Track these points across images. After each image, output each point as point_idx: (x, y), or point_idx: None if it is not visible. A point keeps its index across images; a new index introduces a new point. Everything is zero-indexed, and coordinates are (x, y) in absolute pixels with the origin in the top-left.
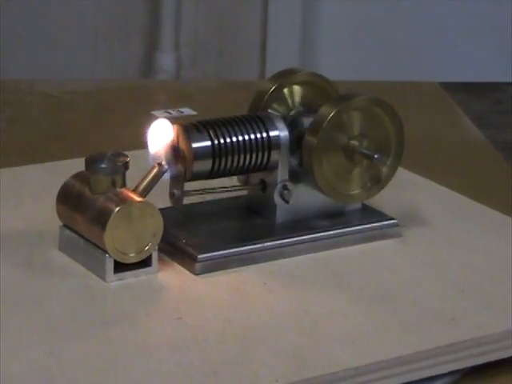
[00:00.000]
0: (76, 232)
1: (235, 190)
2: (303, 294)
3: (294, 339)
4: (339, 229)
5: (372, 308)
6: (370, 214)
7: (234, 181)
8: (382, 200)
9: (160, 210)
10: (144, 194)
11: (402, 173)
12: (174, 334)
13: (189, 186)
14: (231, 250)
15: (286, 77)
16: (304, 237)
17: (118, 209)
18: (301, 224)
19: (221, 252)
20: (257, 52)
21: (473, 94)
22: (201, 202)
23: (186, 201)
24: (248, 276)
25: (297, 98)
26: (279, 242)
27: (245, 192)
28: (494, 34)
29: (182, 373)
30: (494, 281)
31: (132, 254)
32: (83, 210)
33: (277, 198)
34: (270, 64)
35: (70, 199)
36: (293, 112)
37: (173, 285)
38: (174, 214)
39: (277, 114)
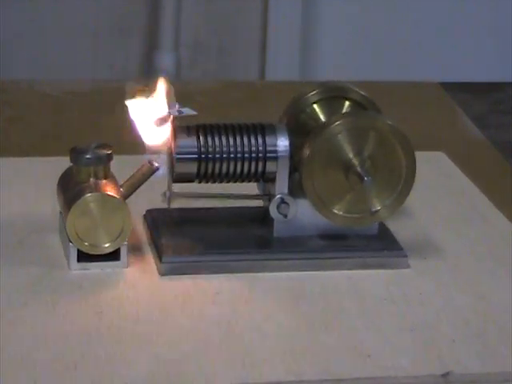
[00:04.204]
0: (62, 217)
1: (222, 198)
2: (245, 310)
3: (187, 351)
4: (332, 251)
5: (302, 333)
6: (381, 241)
7: (253, 188)
8: (423, 227)
9: (166, 209)
10: (130, 189)
11: (482, 204)
12: (78, 325)
13: (192, 187)
14: (201, 257)
15: (336, 86)
16: (290, 254)
17: (85, 196)
18: (296, 241)
19: (189, 257)
20: (257, 52)
21: (473, 94)
22: (213, 208)
23: (197, 204)
24: (208, 284)
25: (338, 111)
26: (257, 255)
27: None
28: (494, 34)
29: (46, 363)
30: (455, 327)
31: (87, 243)
32: (64, 196)
33: (273, 211)
34: (270, 64)
35: (62, 186)
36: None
37: (129, 281)
38: (177, 215)
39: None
